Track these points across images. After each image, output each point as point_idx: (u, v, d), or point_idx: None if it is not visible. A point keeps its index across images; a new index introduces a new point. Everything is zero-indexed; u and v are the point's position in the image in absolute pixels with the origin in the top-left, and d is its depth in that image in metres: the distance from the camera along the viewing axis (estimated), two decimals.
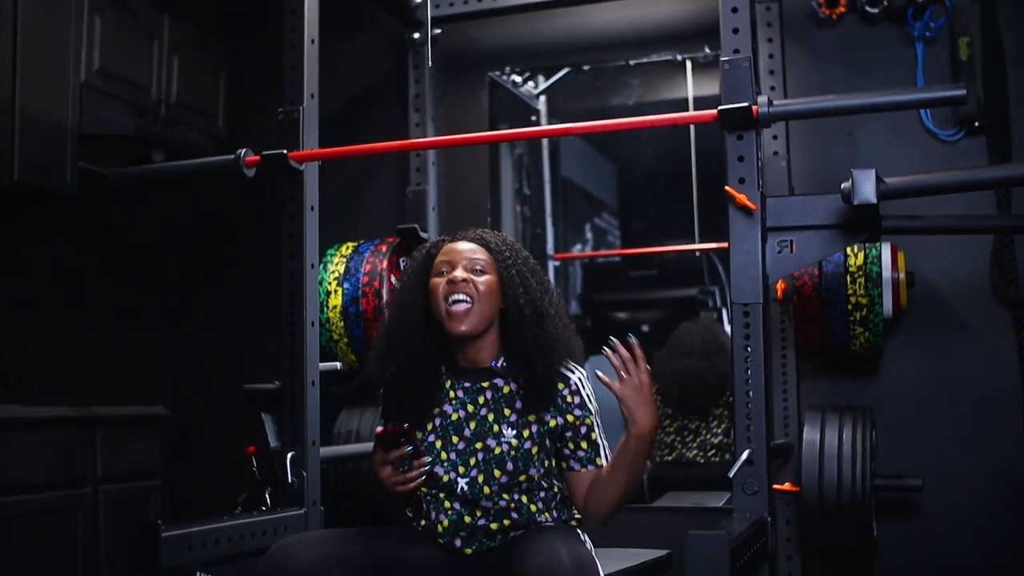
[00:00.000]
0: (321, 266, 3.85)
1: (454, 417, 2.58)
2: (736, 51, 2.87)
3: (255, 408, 3.70)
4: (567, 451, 2.58)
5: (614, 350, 2.43)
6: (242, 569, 2.94)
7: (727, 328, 4.54)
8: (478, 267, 2.57)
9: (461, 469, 2.54)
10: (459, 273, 2.54)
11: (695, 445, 4.64)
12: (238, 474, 4.01)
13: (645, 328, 5.57)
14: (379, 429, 2.47)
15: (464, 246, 2.61)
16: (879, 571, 3.69)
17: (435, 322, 2.58)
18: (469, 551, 2.57)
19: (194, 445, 4.54)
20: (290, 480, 3.15)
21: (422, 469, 2.47)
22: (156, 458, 3.69)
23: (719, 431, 4.59)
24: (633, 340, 2.44)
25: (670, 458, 4.69)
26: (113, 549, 3.44)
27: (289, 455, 3.16)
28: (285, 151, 3.19)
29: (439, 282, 2.56)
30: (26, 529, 3.18)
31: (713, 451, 4.60)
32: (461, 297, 2.52)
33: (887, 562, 3.68)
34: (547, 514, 2.61)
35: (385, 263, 3.82)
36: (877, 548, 3.60)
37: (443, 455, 2.55)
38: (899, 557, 3.67)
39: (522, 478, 2.52)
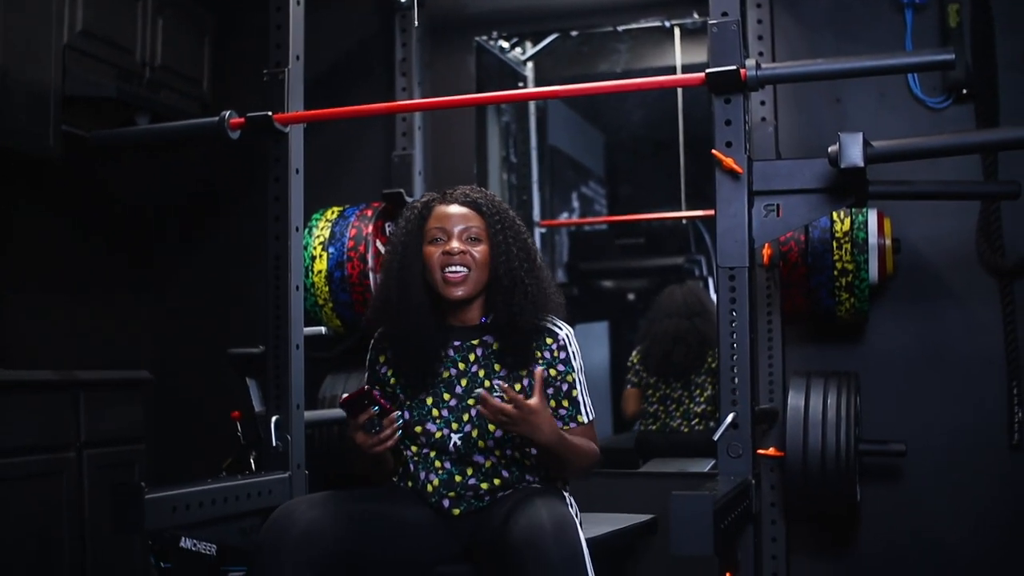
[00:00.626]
0: (306, 231, 3.83)
1: (445, 375, 2.61)
2: (724, 14, 2.85)
3: (239, 373, 3.69)
4: (548, 408, 2.59)
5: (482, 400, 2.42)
6: (226, 532, 2.94)
7: (713, 296, 4.55)
8: (472, 234, 2.60)
9: (454, 425, 2.57)
10: (455, 244, 2.57)
11: (678, 414, 4.65)
12: (223, 439, 4.00)
13: (631, 296, 5.58)
14: (342, 396, 2.47)
15: (457, 210, 2.61)
16: (863, 535, 3.71)
17: (429, 284, 2.60)
18: (457, 512, 2.58)
19: (178, 410, 4.53)
20: (274, 444, 3.14)
21: (394, 427, 2.46)
22: (140, 422, 3.68)
23: (702, 400, 4.60)
24: (501, 385, 2.45)
25: (654, 427, 4.71)
26: (97, 513, 3.43)
27: (273, 419, 3.16)
28: (270, 113, 3.17)
29: (434, 251, 2.59)
30: (10, 493, 3.17)
31: (697, 420, 4.62)
32: (457, 268, 2.56)
33: (871, 526, 3.69)
34: (537, 472, 2.62)
35: (370, 228, 3.80)
36: (861, 512, 3.62)
37: (435, 412, 2.58)
38: (883, 521, 3.68)
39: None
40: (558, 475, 2.65)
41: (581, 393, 2.62)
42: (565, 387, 2.60)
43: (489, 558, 2.50)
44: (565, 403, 2.61)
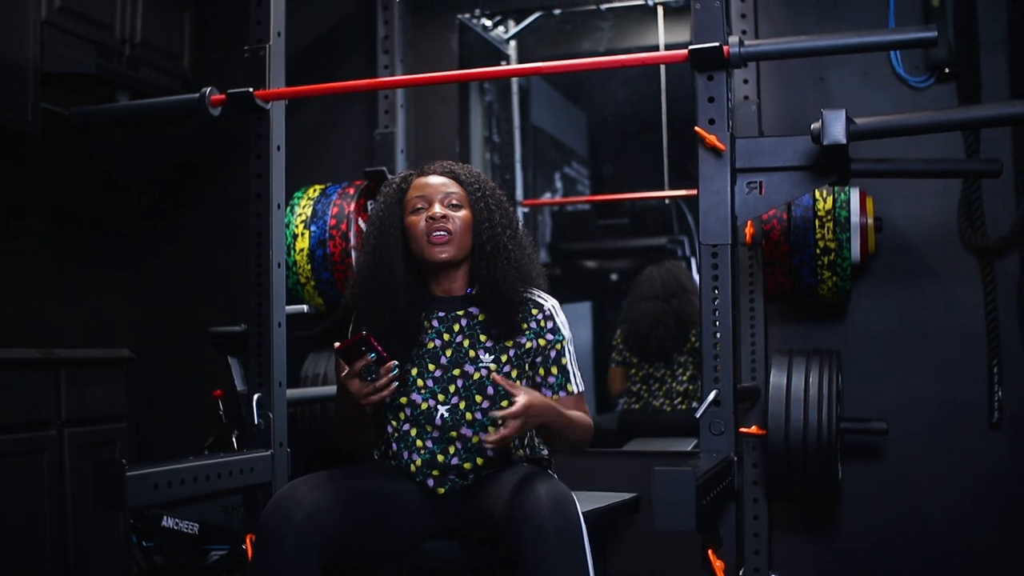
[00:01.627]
0: (288, 209, 3.81)
1: (430, 346, 2.61)
2: None
3: (221, 351, 3.69)
4: (538, 378, 2.62)
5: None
6: (208, 510, 2.94)
7: (695, 275, 4.56)
8: (454, 201, 2.61)
9: (441, 397, 2.57)
10: (437, 209, 2.57)
11: (661, 393, 4.67)
12: (205, 418, 4.01)
13: (614, 277, 5.58)
14: (336, 344, 2.44)
15: (436, 180, 2.62)
16: (844, 513, 3.73)
17: (412, 257, 2.59)
18: (442, 491, 2.58)
19: (160, 389, 4.51)
20: (256, 422, 3.13)
21: (390, 375, 2.43)
22: (122, 401, 3.66)
23: (684, 379, 4.62)
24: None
25: (637, 406, 4.72)
26: (79, 492, 3.42)
27: (255, 397, 3.15)
28: (251, 89, 3.15)
29: (417, 220, 2.58)
30: None
31: (679, 399, 4.63)
32: (442, 232, 2.56)
33: (852, 504, 3.71)
34: (522, 450, 2.63)
35: (353, 206, 3.79)
36: (843, 490, 3.63)
37: (420, 383, 2.58)
38: (864, 499, 3.70)
39: (504, 403, 2.54)
40: (557, 448, 2.64)
41: (570, 362, 2.63)
42: (553, 355, 2.61)
43: (480, 535, 2.50)
44: (554, 370, 2.62)
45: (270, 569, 2.33)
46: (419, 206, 2.60)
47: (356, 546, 2.47)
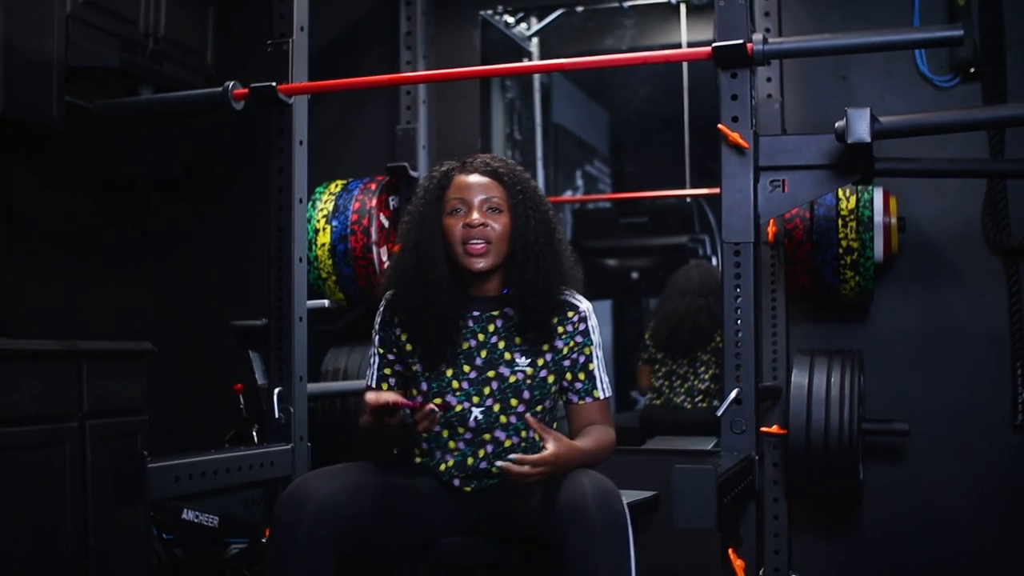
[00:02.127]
0: (310, 204, 3.82)
1: (465, 346, 2.56)
2: None
3: (242, 345, 3.69)
4: (565, 382, 2.58)
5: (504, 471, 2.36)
6: (229, 503, 2.94)
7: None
8: (493, 205, 2.53)
9: (475, 399, 2.53)
10: (476, 217, 2.50)
11: (683, 391, 4.66)
12: (225, 412, 4.02)
13: (635, 275, 5.58)
14: (369, 400, 2.38)
15: (477, 180, 2.55)
16: (865, 514, 3.71)
17: (449, 255, 2.56)
18: (468, 489, 2.57)
19: (182, 383, 4.53)
20: (277, 416, 3.14)
21: (429, 417, 2.37)
22: (142, 394, 3.66)
23: (707, 377, 4.61)
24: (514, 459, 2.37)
25: (658, 402, 4.72)
26: (100, 484, 3.42)
27: (276, 391, 3.15)
28: (274, 84, 3.16)
29: (454, 223, 2.52)
30: (12, 462, 3.16)
31: (700, 396, 4.62)
32: (479, 242, 2.50)
33: (873, 505, 3.69)
34: None
35: (374, 201, 3.79)
36: (863, 491, 3.62)
37: (455, 384, 2.54)
38: (885, 500, 3.68)
39: (539, 408, 2.53)
40: None
41: (598, 368, 2.60)
42: (582, 360, 2.57)
43: (507, 529, 2.49)
44: (581, 376, 2.59)
45: (284, 561, 2.32)
46: (458, 207, 2.53)
47: (369, 539, 2.46)
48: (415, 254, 2.56)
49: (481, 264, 2.50)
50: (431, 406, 2.38)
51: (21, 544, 3.16)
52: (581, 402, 2.59)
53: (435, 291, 2.53)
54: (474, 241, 2.49)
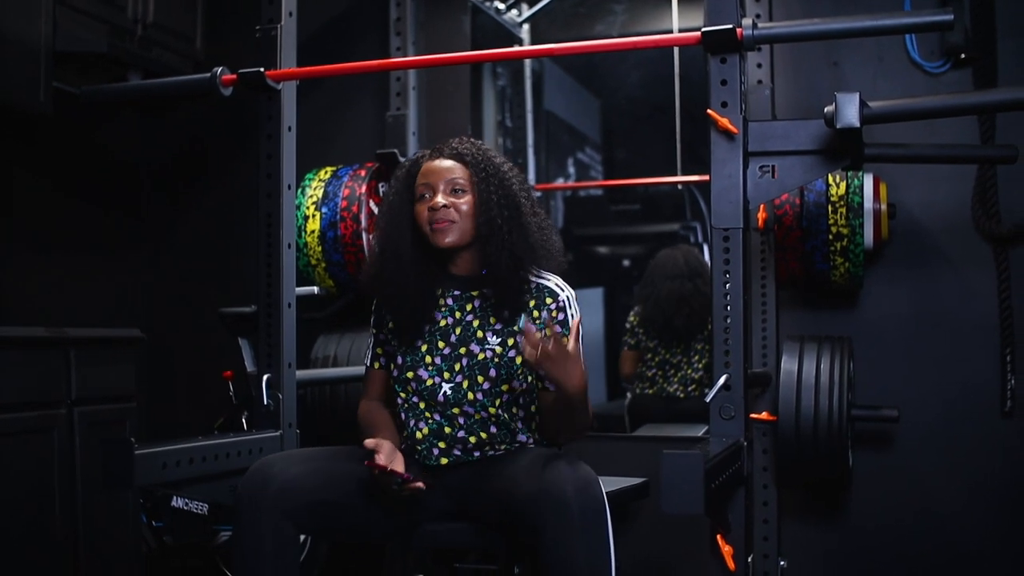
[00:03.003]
0: (299, 190, 3.81)
1: (442, 323, 2.62)
2: None
3: (232, 332, 3.69)
4: (541, 371, 2.59)
5: (524, 332, 2.40)
6: (217, 490, 2.94)
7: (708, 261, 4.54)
8: (457, 186, 2.60)
9: (446, 375, 2.58)
10: (440, 199, 2.58)
11: (676, 380, 4.66)
12: (215, 399, 4.01)
13: (626, 263, 5.58)
14: (368, 463, 2.42)
15: (442, 164, 2.63)
16: (854, 500, 3.71)
17: (424, 238, 2.62)
18: (445, 461, 2.59)
19: (171, 370, 4.52)
20: (265, 402, 3.14)
21: (414, 488, 2.43)
22: (131, 381, 3.66)
23: (700, 366, 4.61)
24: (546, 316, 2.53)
25: (650, 391, 4.71)
26: (89, 470, 3.42)
27: (265, 377, 3.15)
28: (262, 69, 3.15)
29: (422, 208, 2.61)
30: (0, 449, 3.16)
31: (694, 386, 4.62)
32: (442, 221, 2.57)
33: (862, 492, 3.70)
34: (528, 434, 2.62)
35: (364, 188, 3.79)
36: (853, 478, 3.62)
37: (428, 359, 2.59)
38: (874, 487, 3.69)
39: (504, 387, 2.55)
40: (554, 432, 2.63)
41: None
42: None
43: (490, 513, 2.49)
44: None
45: (248, 536, 2.36)
46: (424, 194, 2.61)
47: (338, 521, 2.49)
48: (386, 239, 2.64)
49: (447, 239, 2.57)
50: (420, 485, 2.43)
51: (10, 531, 3.16)
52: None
53: (406, 268, 2.59)
54: (438, 220, 2.56)
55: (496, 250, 2.56)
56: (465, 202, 2.59)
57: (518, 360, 2.58)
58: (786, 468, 3.37)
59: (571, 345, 2.37)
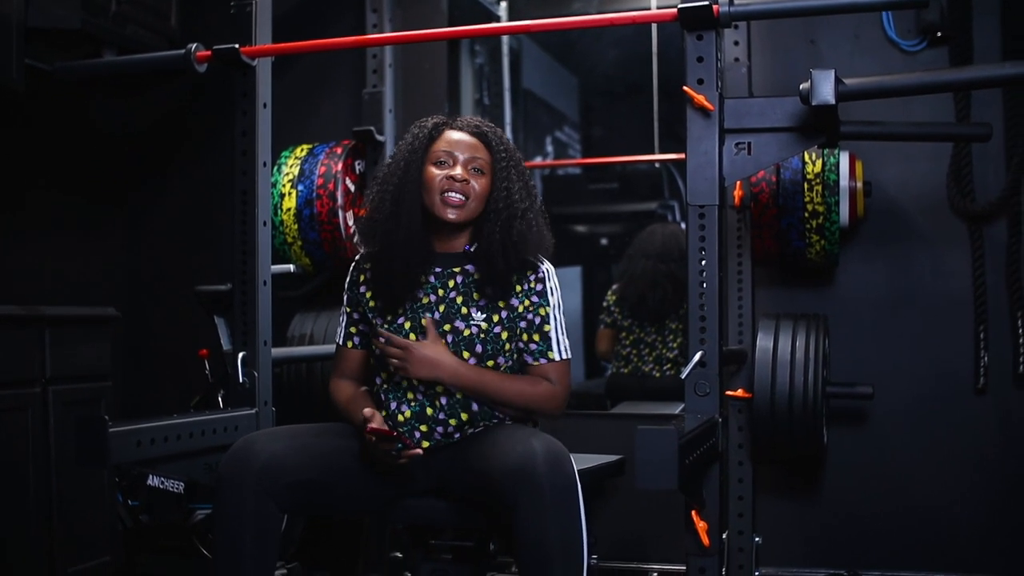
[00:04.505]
0: (275, 168, 3.79)
1: (424, 300, 2.62)
2: None
3: (207, 310, 3.67)
4: (520, 343, 2.61)
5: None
6: (192, 468, 2.93)
7: None
8: (478, 166, 2.62)
9: None
10: (459, 172, 2.59)
11: (651, 359, 4.67)
12: (191, 377, 4.00)
13: (604, 242, 5.57)
14: (372, 427, 2.46)
15: (466, 138, 2.63)
16: (829, 477, 3.74)
17: (422, 206, 2.62)
18: (426, 444, 2.59)
19: (146, 348, 4.50)
20: (241, 380, 3.13)
21: (411, 453, 2.47)
22: (107, 359, 3.65)
23: (675, 345, 4.62)
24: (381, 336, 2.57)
25: (626, 370, 4.72)
26: (63, 449, 3.41)
27: (240, 355, 3.14)
28: (237, 46, 3.13)
29: (437, 173, 2.59)
30: None
31: (669, 365, 4.63)
32: (457, 195, 2.57)
33: (837, 468, 3.72)
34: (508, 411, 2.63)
35: (340, 165, 3.77)
36: (828, 455, 3.64)
37: (412, 336, 2.58)
38: (849, 464, 3.71)
39: (490, 363, 2.57)
40: (504, 414, 2.65)
41: (555, 329, 2.63)
42: (537, 320, 2.61)
43: (468, 491, 2.51)
44: (536, 337, 2.62)
45: (230, 515, 2.36)
46: (443, 159, 2.60)
47: (319, 498, 2.50)
48: (392, 197, 2.62)
49: (454, 216, 2.58)
50: (418, 451, 2.47)
51: None
52: (536, 363, 2.62)
53: (404, 234, 2.59)
54: (453, 193, 2.57)
55: (505, 237, 2.57)
56: (481, 184, 2.60)
57: (504, 336, 2.58)
58: (761, 445, 3.38)
59: (415, 342, 2.54)
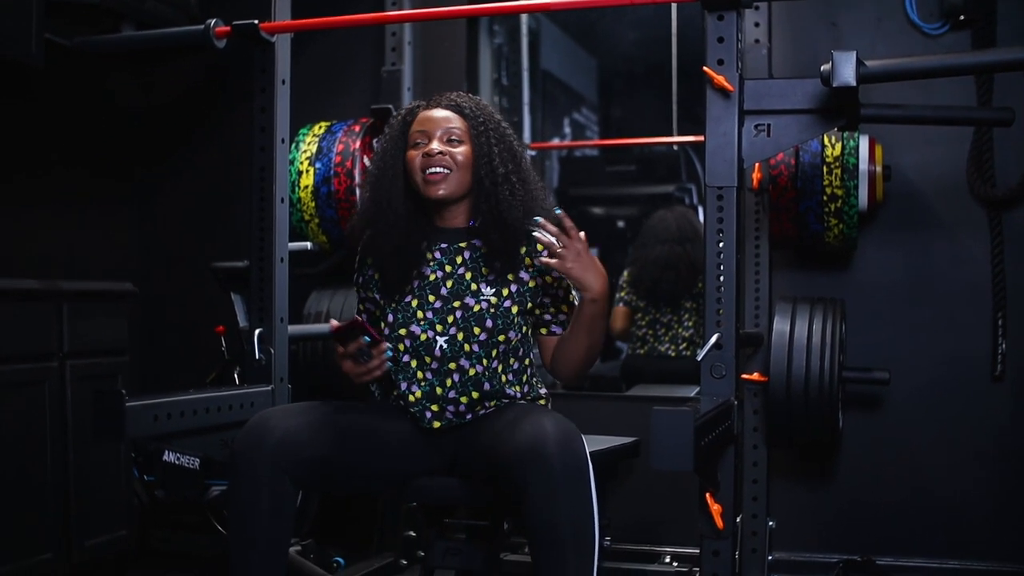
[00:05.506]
0: (293, 146, 3.79)
1: (431, 277, 2.61)
2: None
3: (224, 287, 3.67)
4: (548, 316, 2.64)
5: (541, 227, 2.48)
6: (208, 443, 2.94)
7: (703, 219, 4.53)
8: (454, 136, 2.60)
9: (439, 328, 2.57)
10: (435, 146, 2.57)
11: (667, 339, 4.66)
12: (207, 354, 4.01)
13: (621, 224, 5.57)
14: (332, 323, 2.47)
15: (439, 114, 2.62)
16: (844, 462, 3.73)
17: (413, 189, 2.60)
18: (438, 424, 2.59)
19: (163, 325, 4.51)
20: (257, 357, 3.13)
21: (382, 357, 2.48)
22: (124, 334, 3.66)
23: (691, 325, 4.61)
24: (559, 212, 2.48)
25: (642, 351, 4.72)
26: (80, 424, 3.43)
27: (256, 332, 3.15)
28: (256, 22, 3.12)
29: (415, 155, 2.59)
30: None
31: (684, 344, 4.63)
32: (438, 168, 2.55)
33: (852, 453, 3.71)
34: (517, 387, 2.62)
35: (358, 143, 3.77)
36: (843, 439, 3.63)
37: (420, 314, 2.58)
38: (864, 449, 3.70)
39: (501, 338, 2.55)
40: (573, 368, 2.64)
41: (577, 299, 2.62)
42: (562, 293, 2.62)
43: (480, 470, 2.50)
44: (564, 308, 2.64)
45: (245, 493, 2.35)
46: (419, 140, 2.59)
47: (333, 475, 2.49)
48: (376, 186, 2.63)
49: (440, 191, 2.56)
50: (387, 346, 2.48)
51: (1, 484, 3.17)
52: (566, 333, 2.62)
53: (394, 218, 2.59)
54: (432, 169, 2.56)
55: (499, 202, 2.55)
56: (461, 152, 2.58)
57: (514, 310, 2.58)
58: (776, 429, 3.38)
59: (581, 245, 2.45)
